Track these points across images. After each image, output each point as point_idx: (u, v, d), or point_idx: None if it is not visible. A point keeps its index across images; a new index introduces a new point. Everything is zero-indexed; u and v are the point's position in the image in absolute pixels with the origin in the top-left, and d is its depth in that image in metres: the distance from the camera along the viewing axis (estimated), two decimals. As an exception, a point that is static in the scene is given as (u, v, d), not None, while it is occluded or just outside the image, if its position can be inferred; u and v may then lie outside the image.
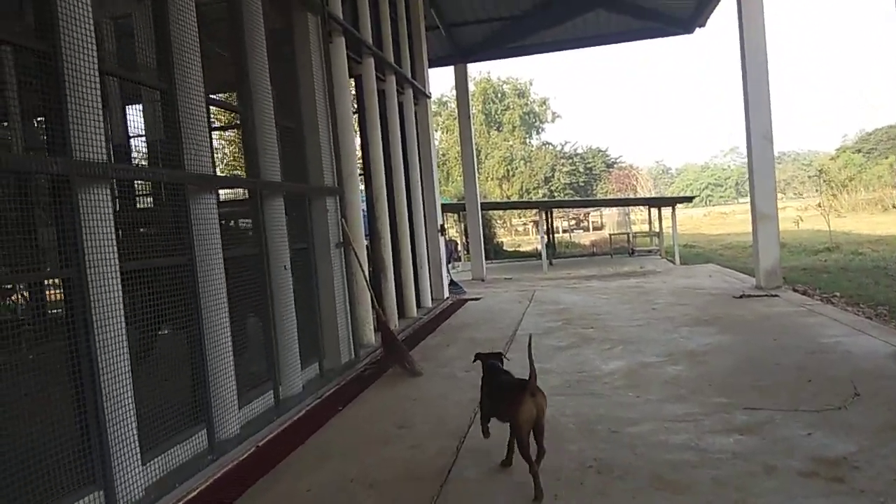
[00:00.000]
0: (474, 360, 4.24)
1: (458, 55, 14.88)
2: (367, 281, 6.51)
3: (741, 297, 9.45)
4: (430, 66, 14.26)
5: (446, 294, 11.19)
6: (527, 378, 3.46)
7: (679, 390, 5.00)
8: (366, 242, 8.32)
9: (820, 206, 20.20)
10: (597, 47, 15.14)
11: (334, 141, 6.25)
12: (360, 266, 6.44)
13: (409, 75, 9.86)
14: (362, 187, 9.12)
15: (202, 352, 4.08)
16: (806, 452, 3.61)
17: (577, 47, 14.95)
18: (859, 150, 63.54)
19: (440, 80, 64.31)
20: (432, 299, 10.43)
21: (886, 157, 54.83)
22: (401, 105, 9.77)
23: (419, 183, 10.10)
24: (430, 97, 10.97)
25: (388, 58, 8.64)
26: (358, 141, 8.75)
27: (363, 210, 8.48)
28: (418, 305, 9.87)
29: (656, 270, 14.82)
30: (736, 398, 4.69)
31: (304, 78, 5.95)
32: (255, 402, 4.70)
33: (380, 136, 8.19)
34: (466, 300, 11.27)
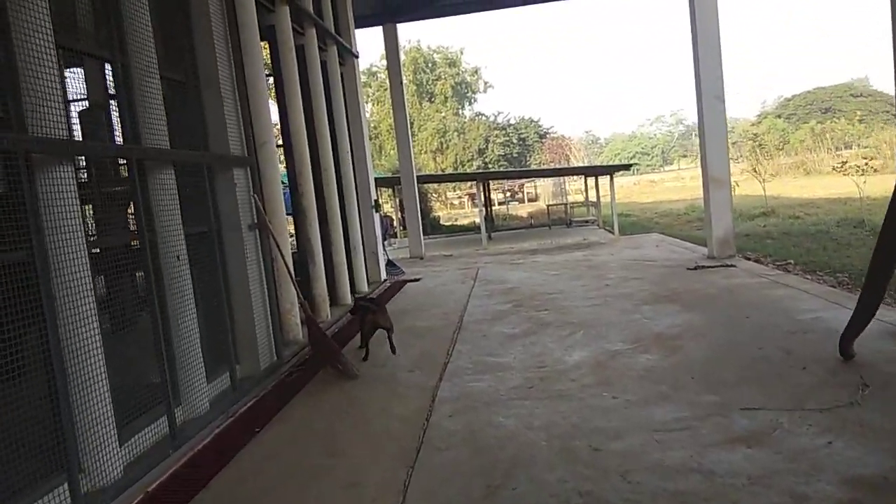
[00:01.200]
0: (352, 312, 6.09)
1: (387, 14, 13.76)
2: (288, 267, 5.51)
3: (695, 268, 8.93)
4: (357, 27, 13.13)
5: (384, 276, 10.26)
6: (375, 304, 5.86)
7: (659, 387, 4.28)
8: (290, 223, 7.30)
9: (755, 171, 20.21)
10: (534, 5, 14.28)
11: (242, 101, 5.17)
12: (280, 250, 5.43)
13: (333, 30, 8.74)
14: (284, 161, 8.06)
15: (60, 375, 3.05)
16: (835, 471, 2.92)
17: (517, 4, 14.05)
18: (779, 116, 65.62)
19: (369, 48, 62.37)
20: (368, 283, 9.47)
21: (807, 122, 56.77)
22: (324, 64, 8.64)
23: (349, 154, 9.06)
24: (357, 57, 9.87)
25: (306, 7, 7.50)
26: (275, 107, 7.66)
27: (284, 186, 7.44)
28: (353, 291, 8.90)
29: (600, 242, 14.30)
30: (727, 395, 4.00)
31: (199, 18, 4.83)
32: (144, 432, 3.69)
33: (300, 99, 7.09)
34: (406, 281, 10.38)
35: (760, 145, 24.28)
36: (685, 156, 79.86)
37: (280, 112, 7.09)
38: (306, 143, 7.09)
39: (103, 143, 3.68)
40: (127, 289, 3.92)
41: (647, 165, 77.25)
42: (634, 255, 10.99)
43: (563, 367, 4.93)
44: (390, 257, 11.16)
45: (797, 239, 12.63)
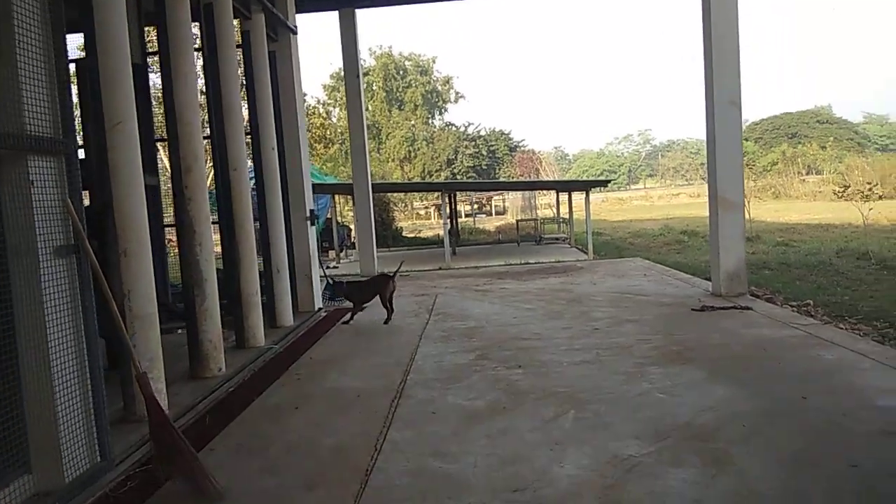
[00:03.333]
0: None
1: (345, -4, 11.92)
2: (115, 315, 3.50)
3: (703, 309, 7.22)
4: (308, 10, 11.39)
5: (318, 304, 8.31)
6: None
7: (721, 555, 2.48)
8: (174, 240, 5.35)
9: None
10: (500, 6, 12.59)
11: (59, 46, 3.24)
12: (104, 286, 3.43)
13: (260, -7, 6.84)
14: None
15: None
16: None
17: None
18: (746, 139, 65.71)
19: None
20: (296, 314, 7.55)
21: (779, 145, 56.68)
22: (245, 36, 6.77)
23: (274, 151, 7.13)
24: (295, 33, 7.96)
25: (212, -50, 5.62)
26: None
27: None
28: (273, 326, 6.98)
29: (577, 265, 12.59)
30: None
31: None
32: None
33: (194, 72, 5.17)
34: (345, 310, 8.45)
35: (747, 165, 22.97)
36: (652, 175, 79.67)
37: (164, 86, 5.15)
38: (199, 131, 5.16)
39: None
40: None
41: (615, 184, 76.96)
42: (621, 287, 9.27)
43: (552, 492, 3.08)
44: (331, 279, 9.22)
45: (799, 271, 11.17)
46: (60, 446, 3.18)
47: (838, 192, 18.41)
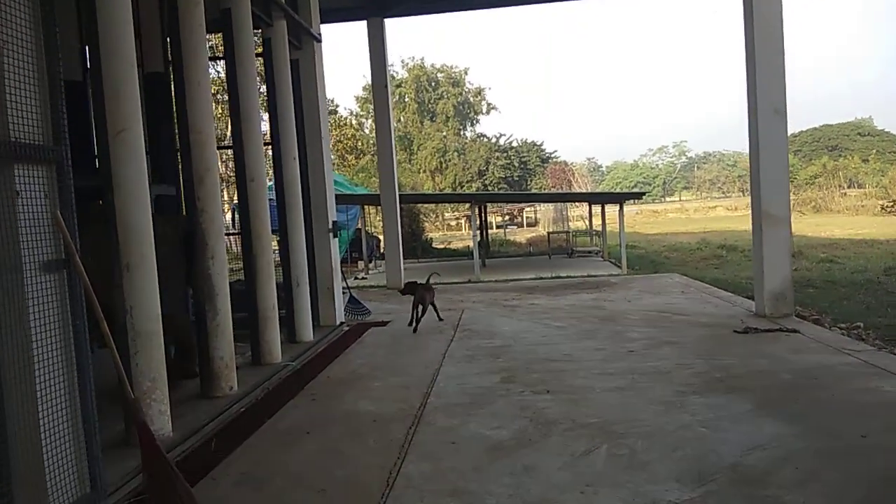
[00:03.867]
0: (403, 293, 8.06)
1: (373, 6, 11.76)
2: (104, 332, 3.23)
3: (746, 331, 6.76)
4: (336, 20, 11.32)
5: (340, 318, 8.06)
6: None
7: None
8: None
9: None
10: (542, 4, 12.34)
11: (51, 46, 3.03)
12: (93, 302, 3.16)
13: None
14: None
15: None
16: None
17: (523, 2, 12.08)
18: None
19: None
20: (316, 328, 7.30)
21: (819, 158, 55.22)
22: (267, 44, 6.59)
23: (295, 161, 6.92)
24: (319, 41, 7.77)
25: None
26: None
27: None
28: (292, 341, 6.75)
29: (611, 280, 12.14)
30: None
31: None
32: None
33: (208, 80, 4.98)
34: (368, 325, 8.21)
35: (792, 179, 22.17)
36: (687, 187, 78.27)
37: (176, 94, 4.95)
38: (212, 141, 4.95)
39: None
40: None
41: (649, 196, 75.83)
42: (658, 304, 8.83)
43: (581, 544, 2.75)
44: (353, 294, 8.97)
45: (845, 290, 10.54)
46: (45, 476, 2.94)
47: (887, 206, 17.57)
